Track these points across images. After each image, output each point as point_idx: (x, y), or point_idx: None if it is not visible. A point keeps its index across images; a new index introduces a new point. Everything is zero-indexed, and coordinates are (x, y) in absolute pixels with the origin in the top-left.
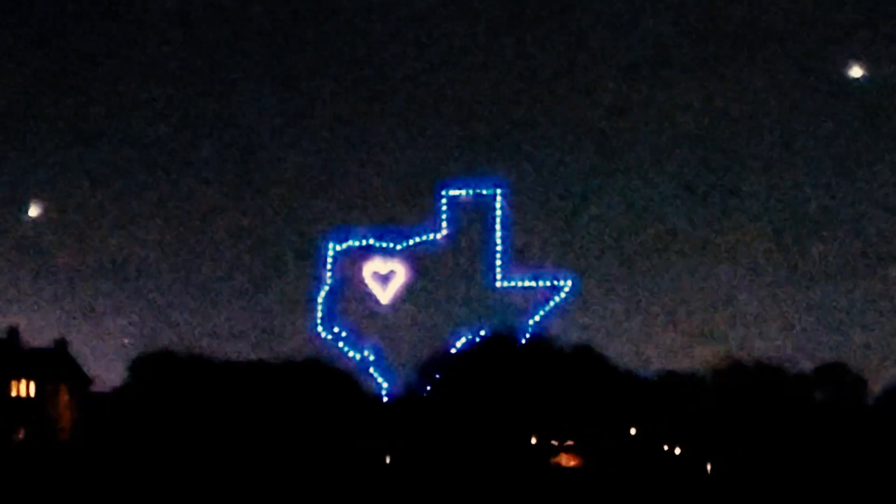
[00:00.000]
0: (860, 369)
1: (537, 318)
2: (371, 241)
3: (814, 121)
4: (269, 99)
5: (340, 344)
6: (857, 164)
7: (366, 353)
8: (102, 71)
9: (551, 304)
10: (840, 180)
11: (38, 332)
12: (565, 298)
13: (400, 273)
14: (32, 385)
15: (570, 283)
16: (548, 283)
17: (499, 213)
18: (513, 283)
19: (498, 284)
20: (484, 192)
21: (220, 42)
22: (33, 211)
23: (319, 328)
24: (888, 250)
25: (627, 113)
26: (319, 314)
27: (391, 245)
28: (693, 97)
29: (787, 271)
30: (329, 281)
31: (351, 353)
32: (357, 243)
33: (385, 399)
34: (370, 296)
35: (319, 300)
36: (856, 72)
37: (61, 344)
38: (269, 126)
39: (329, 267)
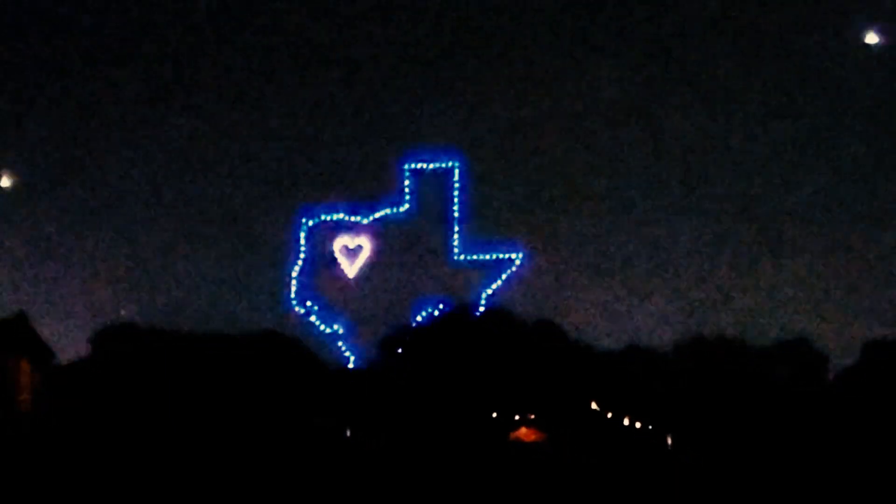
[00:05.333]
0: (822, 346)
1: (489, 291)
2: (341, 216)
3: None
4: (235, 73)
5: (313, 318)
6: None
7: (335, 326)
8: (75, 47)
9: (503, 277)
10: (811, 155)
11: None
12: (516, 272)
13: (366, 247)
14: None
15: (520, 256)
16: (500, 257)
17: (456, 186)
18: (469, 257)
19: (455, 258)
20: (442, 165)
21: (184, 18)
22: (4, 182)
23: (294, 302)
24: (852, 225)
25: (595, 87)
26: (294, 288)
27: (359, 219)
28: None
29: (750, 246)
30: (302, 255)
31: (322, 327)
32: (328, 218)
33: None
34: (339, 270)
35: (294, 275)
36: (871, 38)
37: (21, 316)
38: (235, 100)
39: (302, 241)
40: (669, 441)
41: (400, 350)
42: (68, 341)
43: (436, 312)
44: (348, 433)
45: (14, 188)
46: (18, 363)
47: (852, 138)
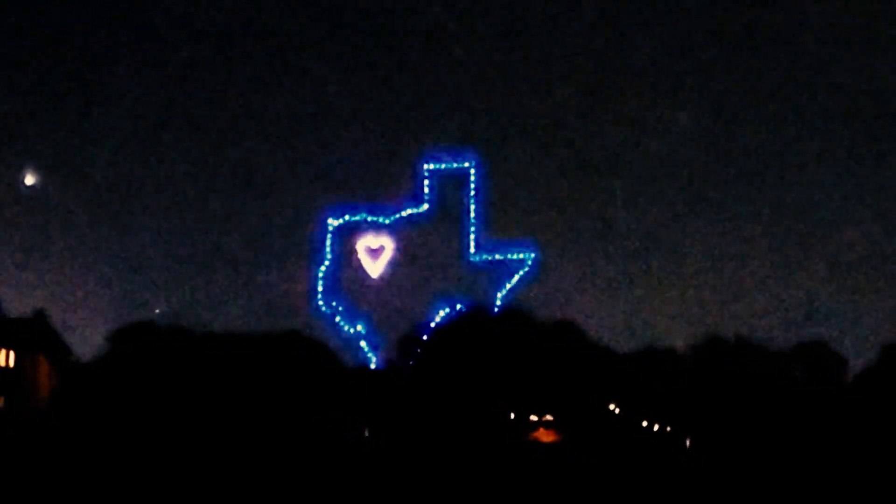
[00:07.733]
0: (840, 348)
1: (504, 291)
2: (364, 216)
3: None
4: (259, 76)
5: (338, 318)
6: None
7: (358, 326)
8: (99, 49)
9: (516, 277)
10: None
11: (18, 301)
12: (529, 272)
13: (388, 247)
14: (12, 355)
15: (532, 256)
16: (514, 257)
17: (473, 186)
18: (484, 257)
19: (472, 258)
20: (459, 165)
21: (207, 22)
22: (29, 180)
23: (320, 302)
24: (869, 230)
25: (612, 90)
26: (320, 289)
27: (381, 219)
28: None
29: (768, 248)
30: (328, 256)
31: (346, 327)
32: (352, 218)
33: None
34: (362, 270)
35: (320, 275)
36: None
37: (41, 314)
38: (260, 104)
39: (328, 242)
40: (688, 442)
41: (419, 350)
42: (87, 339)
43: (454, 312)
44: (367, 432)
45: (37, 187)
46: (37, 360)
47: (881, 143)
